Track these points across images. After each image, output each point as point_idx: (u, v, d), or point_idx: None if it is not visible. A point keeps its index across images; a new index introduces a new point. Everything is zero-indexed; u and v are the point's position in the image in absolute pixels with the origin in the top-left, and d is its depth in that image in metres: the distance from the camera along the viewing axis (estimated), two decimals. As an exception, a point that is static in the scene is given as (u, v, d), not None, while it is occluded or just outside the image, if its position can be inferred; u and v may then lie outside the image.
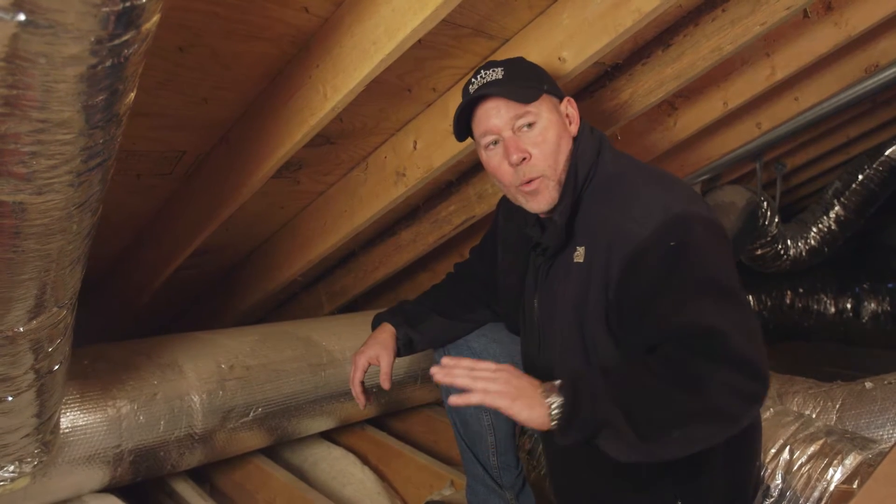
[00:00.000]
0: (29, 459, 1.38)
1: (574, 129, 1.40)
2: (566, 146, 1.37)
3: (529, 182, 1.35)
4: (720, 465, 1.35)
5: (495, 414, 1.74)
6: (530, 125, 1.34)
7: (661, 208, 1.24)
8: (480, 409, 1.73)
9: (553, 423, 1.13)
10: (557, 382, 1.15)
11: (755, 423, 1.46)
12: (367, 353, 1.61)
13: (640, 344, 1.22)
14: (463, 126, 1.42)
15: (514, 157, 1.33)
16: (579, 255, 1.33)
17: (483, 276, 1.72)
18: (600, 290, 1.29)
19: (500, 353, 1.71)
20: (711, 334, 1.13)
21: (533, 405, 1.13)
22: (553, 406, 1.12)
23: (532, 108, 1.33)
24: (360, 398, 1.59)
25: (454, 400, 1.18)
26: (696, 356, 1.12)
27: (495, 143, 1.37)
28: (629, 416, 1.11)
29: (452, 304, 1.73)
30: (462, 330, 1.73)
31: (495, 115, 1.34)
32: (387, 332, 1.65)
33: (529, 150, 1.33)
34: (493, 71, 1.36)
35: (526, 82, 1.35)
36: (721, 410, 1.12)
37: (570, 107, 1.42)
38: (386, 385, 1.57)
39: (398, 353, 1.63)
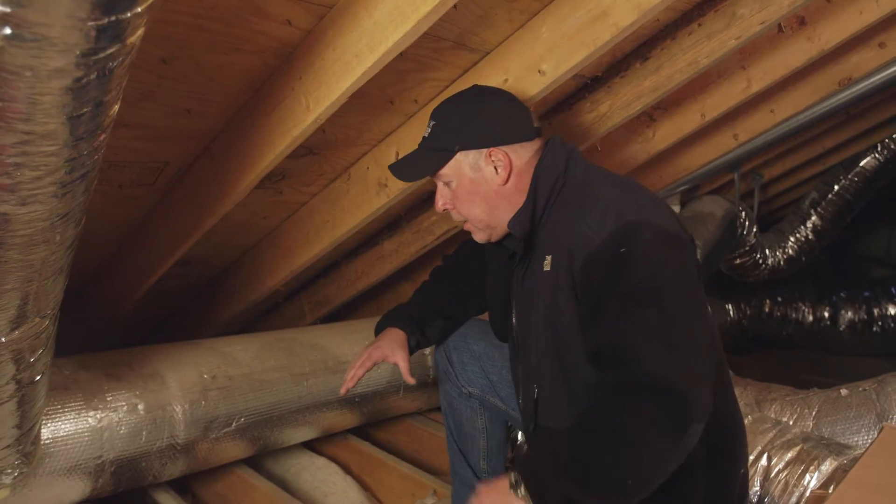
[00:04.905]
0: (9, 471, 1.38)
1: (505, 174, 1.40)
2: (486, 200, 1.43)
3: (464, 223, 1.50)
4: (707, 472, 1.35)
5: (490, 418, 1.77)
6: (447, 184, 1.45)
7: (614, 216, 1.27)
8: (476, 412, 1.76)
9: None
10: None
11: (737, 430, 1.46)
12: (382, 348, 1.64)
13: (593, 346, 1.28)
14: None
15: (439, 206, 1.49)
16: (547, 263, 1.37)
17: (475, 280, 1.73)
18: (570, 294, 1.32)
19: (499, 356, 1.72)
20: (629, 362, 1.17)
21: None
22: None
23: (442, 171, 1.44)
24: (351, 383, 1.63)
25: None
26: (620, 395, 1.16)
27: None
28: (584, 484, 1.17)
29: (452, 306, 1.76)
30: (454, 326, 1.77)
31: None
32: (399, 335, 1.68)
33: (451, 202, 1.47)
34: (429, 124, 1.46)
35: (443, 143, 1.42)
36: (655, 448, 1.13)
37: (495, 155, 1.40)
38: (411, 380, 1.62)
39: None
